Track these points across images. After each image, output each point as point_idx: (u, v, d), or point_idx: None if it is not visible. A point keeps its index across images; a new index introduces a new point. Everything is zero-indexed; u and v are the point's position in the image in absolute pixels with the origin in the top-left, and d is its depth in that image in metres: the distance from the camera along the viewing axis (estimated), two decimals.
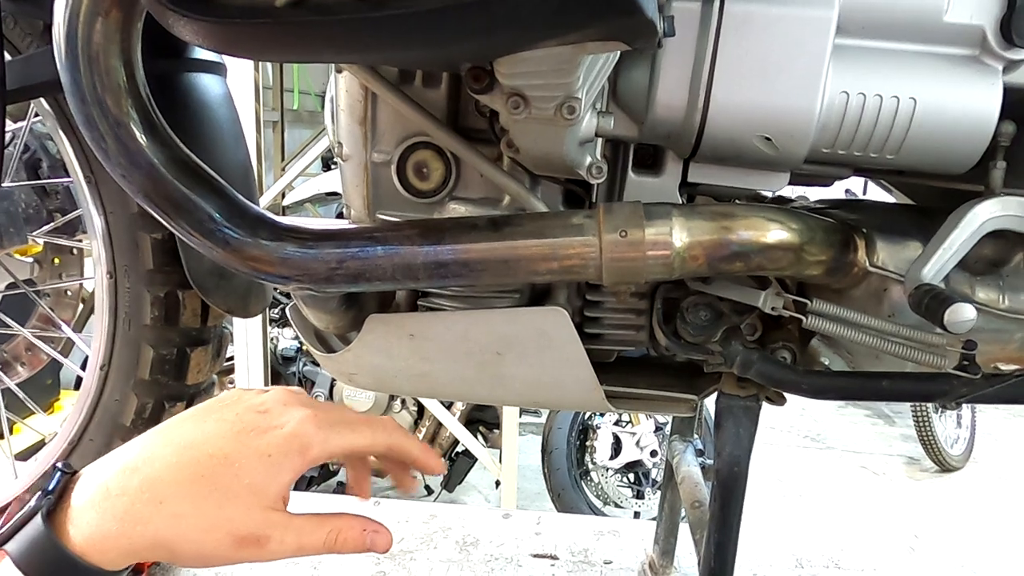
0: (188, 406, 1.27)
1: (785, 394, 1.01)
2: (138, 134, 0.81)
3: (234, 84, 2.71)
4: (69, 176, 1.14)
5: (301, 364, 3.48)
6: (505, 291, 0.99)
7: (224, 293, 1.16)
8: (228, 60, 1.26)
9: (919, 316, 0.82)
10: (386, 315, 1.00)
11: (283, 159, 5.92)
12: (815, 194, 1.16)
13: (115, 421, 1.21)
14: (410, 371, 1.01)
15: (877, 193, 1.30)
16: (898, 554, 1.65)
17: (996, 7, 0.81)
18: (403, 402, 3.40)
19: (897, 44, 0.83)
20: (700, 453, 1.40)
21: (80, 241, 1.41)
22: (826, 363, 1.04)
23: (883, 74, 0.82)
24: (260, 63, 3.01)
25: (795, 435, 4.74)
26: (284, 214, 4.85)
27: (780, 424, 4.82)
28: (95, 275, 1.16)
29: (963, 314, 0.75)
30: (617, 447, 3.36)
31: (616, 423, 3.38)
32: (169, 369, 1.20)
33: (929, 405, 4.04)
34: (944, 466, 4.20)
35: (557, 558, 1.58)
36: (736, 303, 0.95)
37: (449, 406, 3.25)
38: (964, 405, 0.86)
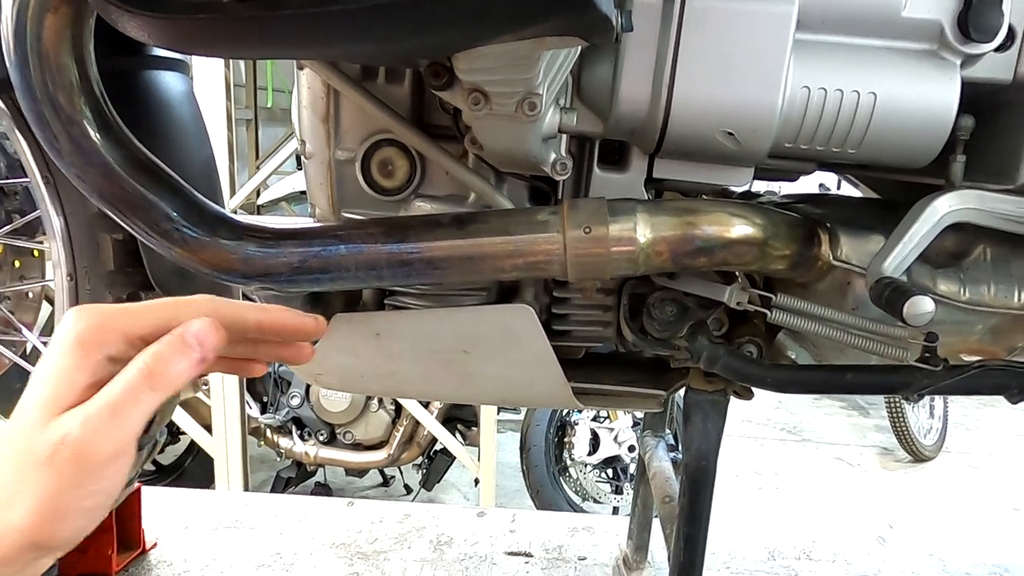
0: None
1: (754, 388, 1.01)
2: (92, 133, 0.79)
3: (204, 82, 2.69)
4: (27, 176, 1.11)
5: (276, 365, 3.45)
6: (472, 289, 0.98)
7: (188, 294, 1.13)
8: (196, 57, 1.24)
9: (881, 309, 0.83)
10: (352, 314, 0.99)
11: (257, 157, 5.86)
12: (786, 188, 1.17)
13: None
14: (376, 370, 1.00)
15: (850, 186, 1.31)
16: (868, 544, 1.67)
17: (954, 3, 0.82)
18: (380, 401, 3.38)
19: (857, 39, 0.84)
20: (672, 448, 1.41)
21: (40, 243, 1.39)
22: (793, 357, 1.04)
23: (843, 69, 0.83)
24: (231, 60, 2.97)
25: (772, 428, 4.78)
26: (259, 213, 4.78)
27: (757, 417, 4.87)
28: (55, 277, 1.13)
29: (922, 307, 0.76)
30: (595, 443, 3.37)
31: (594, 419, 3.38)
32: None
33: None
34: (917, 456, 4.25)
35: (531, 555, 1.58)
36: (702, 298, 0.95)
37: (427, 404, 3.24)
38: (936, 395, 0.88)
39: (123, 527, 1.48)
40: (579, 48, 0.78)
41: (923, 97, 0.83)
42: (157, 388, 0.48)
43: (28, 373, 1.56)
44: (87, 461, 0.46)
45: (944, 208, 0.85)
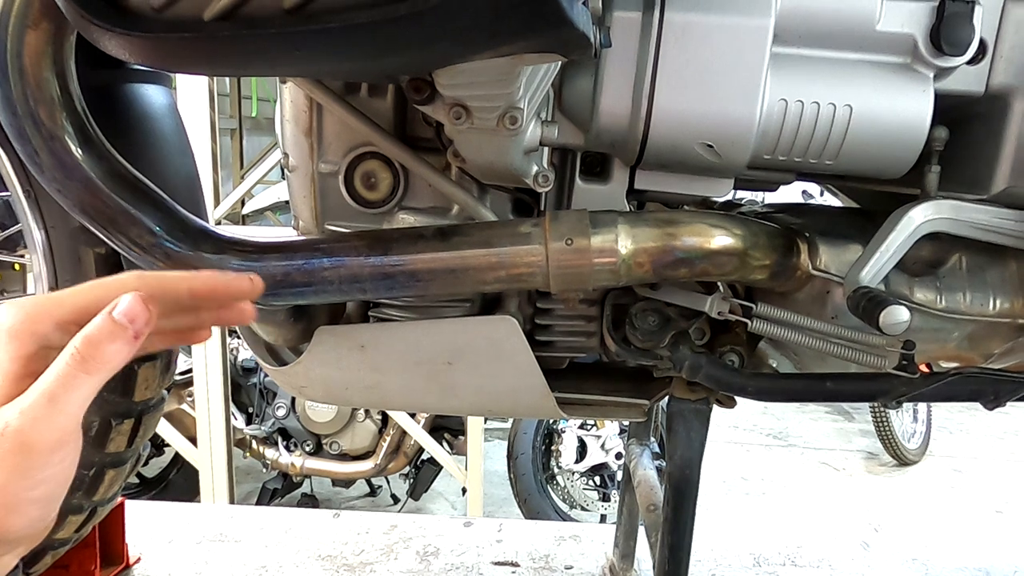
0: (136, 423, 1.24)
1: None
2: (73, 147, 0.79)
3: (188, 91, 2.68)
4: (7, 190, 1.10)
5: (262, 375, 3.43)
6: (455, 301, 0.99)
7: None
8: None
9: (858, 318, 0.84)
10: (336, 327, 0.99)
11: (242, 167, 5.85)
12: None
13: None
14: (361, 382, 1.00)
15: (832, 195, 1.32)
16: (852, 550, 1.69)
17: (926, 16, 0.84)
18: (367, 411, 3.37)
19: (832, 52, 0.85)
20: (657, 456, 1.42)
21: (21, 256, 1.38)
22: (774, 365, 1.05)
23: (819, 82, 0.84)
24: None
25: (758, 433, 4.81)
26: (244, 223, 4.77)
27: (743, 423, 4.89)
28: (36, 291, 1.13)
29: (897, 316, 0.77)
30: (582, 450, 3.38)
31: (581, 427, 3.39)
32: (115, 386, 1.16)
33: None
34: (901, 460, 4.29)
35: (518, 565, 1.58)
36: (684, 308, 0.96)
37: (414, 414, 3.23)
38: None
39: (106, 542, 1.47)
40: (559, 63, 0.79)
41: (897, 109, 0.85)
42: (91, 371, 0.48)
43: None
44: (29, 451, 0.46)
45: (920, 218, 0.86)
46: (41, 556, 1.27)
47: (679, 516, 1.00)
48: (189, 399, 3.15)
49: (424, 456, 3.42)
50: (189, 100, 2.69)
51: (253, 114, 5.96)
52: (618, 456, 3.37)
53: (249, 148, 6.10)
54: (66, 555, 1.35)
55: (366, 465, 3.40)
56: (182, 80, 2.70)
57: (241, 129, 5.92)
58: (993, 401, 0.92)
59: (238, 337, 3.47)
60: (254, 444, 3.44)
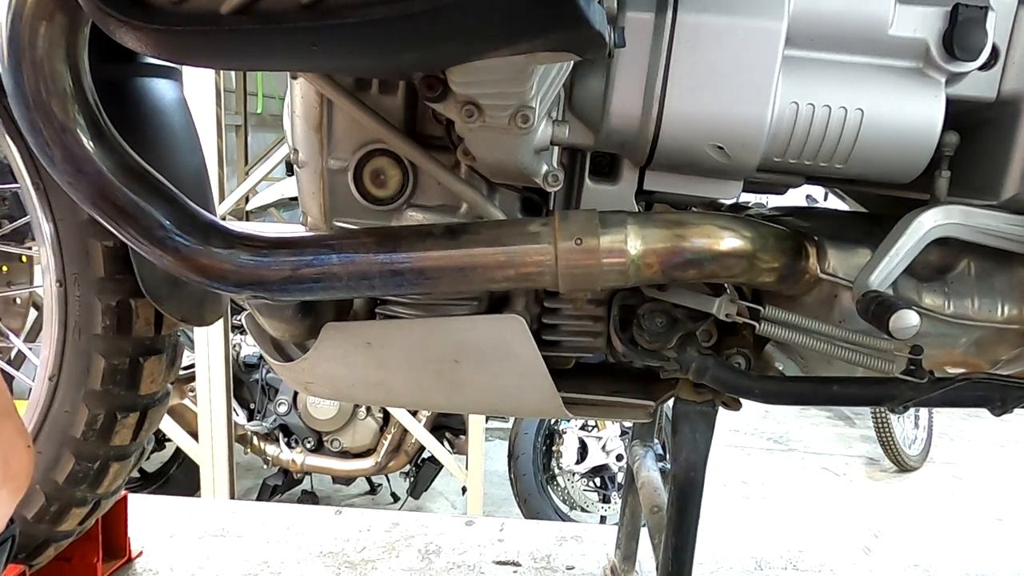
0: (141, 417, 1.24)
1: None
2: (85, 140, 0.79)
3: (194, 87, 2.68)
4: (16, 182, 1.11)
5: (264, 372, 3.43)
6: (463, 299, 0.99)
7: (178, 301, 1.13)
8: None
9: (867, 322, 0.84)
10: (343, 323, 0.99)
11: (247, 163, 5.86)
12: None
13: (65, 433, 1.17)
14: (367, 379, 1.00)
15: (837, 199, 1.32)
16: (854, 555, 1.68)
17: (939, 22, 0.84)
18: (368, 409, 3.37)
19: (845, 56, 0.85)
20: (661, 458, 1.41)
21: (29, 248, 1.38)
22: (781, 368, 1.05)
23: (831, 85, 0.84)
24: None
25: (759, 438, 4.81)
26: (248, 219, 4.78)
27: (744, 427, 4.89)
28: (43, 283, 1.13)
29: (907, 320, 0.77)
30: (583, 452, 3.38)
31: (582, 428, 3.39)
32: (121, 379, 1.17)
33: None
34: (902, 466, 4.29)
35: (519, 565, 1.58)
36: (692, 310, 0.96)
37: (415, 412, 3.24)
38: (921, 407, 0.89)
39: (108, 535, 1.47)
40: (572, 62, 0.79)
41: (909, 114, 0.85)
42: None
43: (13, 378, 1.56)
44: None
45: (929, 223, 0.86)
46: (44, 548, 1.27)
47: (683, 518, 0.99)
48: (191, 394, 3.15)
49: (425, 455, 3.42)
50: (196, 96, 2.69)
51: (259, 110, 5.98)
52: (619, 458, 3.36)
53: (254, 144, 6.12)
54: (68, 548, 1.36)
55: (367, 463, 3.40)
56: (188, 75, 2.70)
57: (246, 125, 5.94)
58: (1000, 407, 0.91)
59: (242, 333, 3.48)
60: (255, 440, 3.45)
